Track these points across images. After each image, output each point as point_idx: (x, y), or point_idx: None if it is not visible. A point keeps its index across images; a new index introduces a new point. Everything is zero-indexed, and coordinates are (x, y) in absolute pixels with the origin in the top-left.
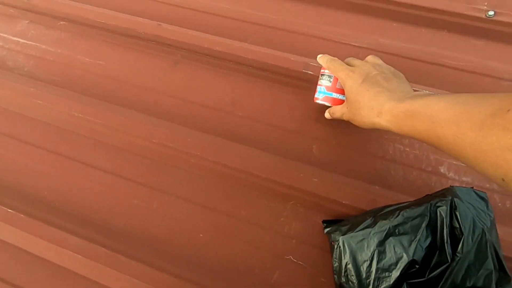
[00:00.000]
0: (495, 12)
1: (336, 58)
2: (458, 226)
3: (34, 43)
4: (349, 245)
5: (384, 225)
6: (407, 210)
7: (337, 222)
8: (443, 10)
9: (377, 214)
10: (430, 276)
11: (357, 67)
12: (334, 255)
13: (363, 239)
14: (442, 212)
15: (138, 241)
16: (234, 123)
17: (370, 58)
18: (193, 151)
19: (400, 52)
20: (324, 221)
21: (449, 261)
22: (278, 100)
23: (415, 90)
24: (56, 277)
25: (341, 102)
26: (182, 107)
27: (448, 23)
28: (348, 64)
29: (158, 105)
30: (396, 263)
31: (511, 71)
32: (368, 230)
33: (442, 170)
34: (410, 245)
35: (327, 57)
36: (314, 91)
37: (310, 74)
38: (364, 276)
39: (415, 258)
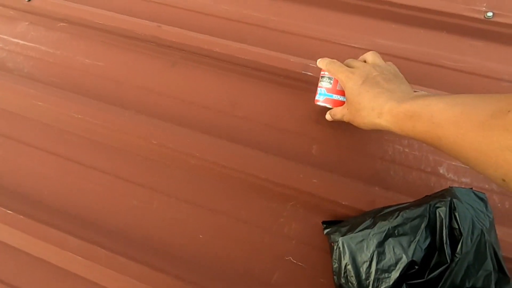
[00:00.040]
0: (493, 13)
1: (335, 60)
2: (457, 227)
3: (33, 45)
4: (348, 246)
5: (384, 226)
6: (407, 211)
7: (337, 223)
8: (442, 11)
9: (376, 215)
10: (429, 277)
11: (357, 69)
12: (333, 256)
13: (363, 240)
14: (441, 213)
15: (137, 242)
16: (233, 124)
17: (370, 54)
18: (192, 152)
19: (399, 53)
20: (323, 222)
21: (449, 262)
22: (277, 101)
23: (414, 91)
24: (55, 278)
25: (342, 103)
26: (182, 108)
27: (447, 24)
28: (348, 66)
29: (157, 106)
30: (396, 264)
31: (510, 72)
32: (368, 231)
33: (441, 171)
34: (409, 246)
35: (326, 59)
36: (313, 92)
37: (309, 75)
38: (363, 277)
39: (414, 259)
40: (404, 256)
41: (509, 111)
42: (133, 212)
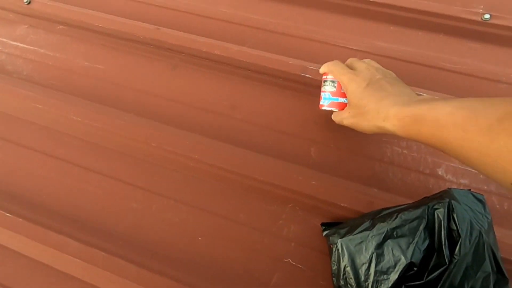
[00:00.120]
0: (491, 15)
1: (338, 61)
2: (455, 228)
3: (33, 47)
4: (347, 248)
5: (382, 227)
6: (405, 212)
7: (336, 225)
8: (440, 13)
9: (375, 217)
10: (428, 278)
11: (361, 71)
12: (332, 258)
13: (362, 241)
14: (439, 215)
15: (136, 244)
16: (233, 126)
17: (368, 62)
18: (192, 154)
19: (397, 55)
20: (322, 224)
21: (447, 263)
22: (277, 103)
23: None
24: (54, 281)
25: None
26: (181, 111)
27: (444, 26)
28: (350, 65)
29: (157, 108)
30: (395, 266)
31: (507, 73)
32: (367, 232)
33: (440, 172)
34: (408, 247)
35: (328, 63)
36: (312, 94)
37: (308, 77)
38: (362, 279)
39: (413, 260)
40: (402, 258)
41: None
42: (132, 214)
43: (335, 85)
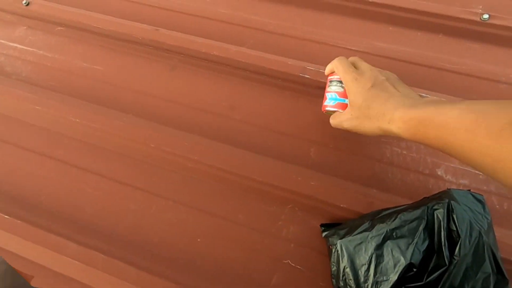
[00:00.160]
0: (489, 15)
1: (343, 57)
2: (455, 229)
3: (32, 49)
4: (347, 249)
5: (382, 228)
6: (404, 213)
7: (335, 226)
8: (439, 13)
9: (374, 218)
10: (428, 279)
11: (365, 71)
12: (332, 259)
13: (361, 242)
14: (439, 215)
15: (136, 246)
16: (232, 127)
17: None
18: (191, 155)
19: (397, 56)
20: (322, 225)
21: (447, 264)
22: (276, 104)
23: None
24: (53, 283)
25: None
26: (180, 112)
27: (443, 27)
28: (353, 64)
29: (155, 109)
30: (394, 267)
31: (507, 73)
32: (366, 233)
33: (439, 173)
34: (407, 248)
35: (334, 59)
36: (311, 95)
37: (307, 78)
38: (362, 280)
39: (412, 261)
40: (402, 259)
41: None
42: (131, 215)
43: (343, 85)
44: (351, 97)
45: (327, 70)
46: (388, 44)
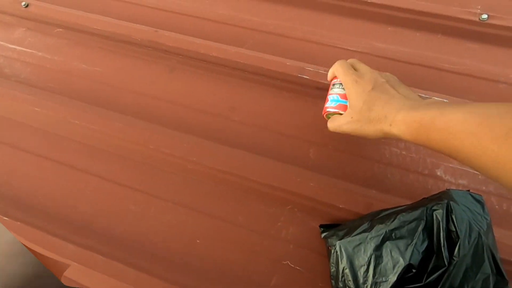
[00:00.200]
0: (488, 16)
1: (344, 61)
2: (454, 229)
3: (31, 50)
4: (346, 250)
5: (381, 229)
6: (404, 214)
7: (334, 227)
8: (438, 13)
9: (373, 218)
10: (427, 280)
11: (365, 73)
12: (331, 260)
13: (360, 243)
14: (438, 216)
15: (134, 247)
16: (231, 128)
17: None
18: (190, 156)
19: (395, 56)
20: (321, 226)
21: (446, 265)
22: (275, 104)
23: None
24: (51, 283)
25: None
26: (179, 113)
27: (442, 27)
28: (351, 65)
29: (155, 111)
30: (393, 268)
31: (506, 73)
32: (365, 234)
33: (438, 173)
34: (406, 249)
35: (335, 64)
36: (310, 95)
37: (306, 78)
38: (361, 281)
39: (412, 262)
40: (401, 260)
41: None
42: (130, 217)
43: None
44: (352, 100)
45: (329, 75)
46: (387, 44)
